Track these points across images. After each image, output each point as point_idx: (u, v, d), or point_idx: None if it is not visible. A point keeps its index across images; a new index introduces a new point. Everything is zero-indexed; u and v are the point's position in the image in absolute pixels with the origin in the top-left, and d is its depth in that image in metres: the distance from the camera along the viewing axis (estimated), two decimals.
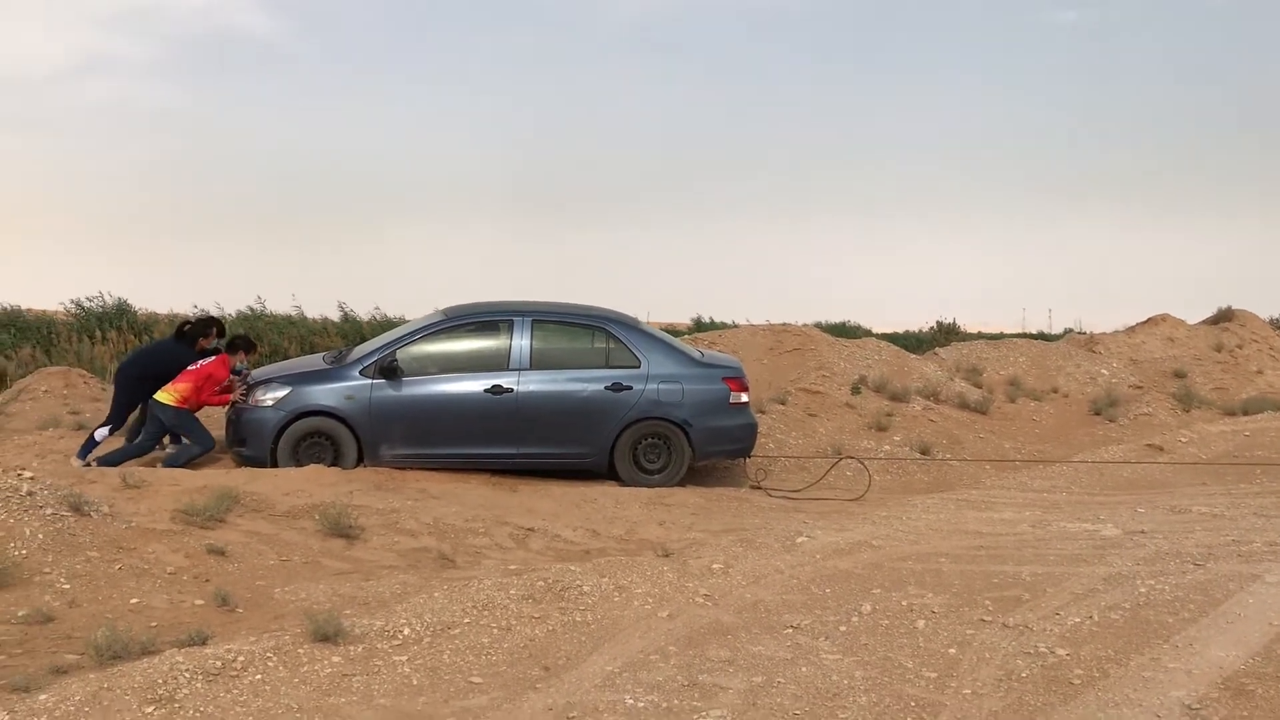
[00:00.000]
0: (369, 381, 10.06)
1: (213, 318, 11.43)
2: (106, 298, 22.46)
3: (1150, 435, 14.18)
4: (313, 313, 25.52)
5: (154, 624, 5.85)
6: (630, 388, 10.36)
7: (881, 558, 7.55)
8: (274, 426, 9.88)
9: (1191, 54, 68.84)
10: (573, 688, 5.05)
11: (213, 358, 10.39)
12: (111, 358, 18.80)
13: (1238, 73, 68.46)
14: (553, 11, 74.06)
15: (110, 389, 12.09)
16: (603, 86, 77.70)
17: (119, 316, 21.80)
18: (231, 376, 10.40)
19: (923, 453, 12.80)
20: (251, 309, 24.82)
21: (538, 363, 10.33)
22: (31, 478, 7.31)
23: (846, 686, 5.13)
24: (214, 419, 10.95)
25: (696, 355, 10.99)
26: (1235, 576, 6.85)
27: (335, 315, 25.48)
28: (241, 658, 5.09)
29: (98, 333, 20.57)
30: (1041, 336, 25.31)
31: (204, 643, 5.42)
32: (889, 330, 29.16)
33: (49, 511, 6.83)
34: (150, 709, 4.57)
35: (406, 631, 5.65)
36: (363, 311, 25.64)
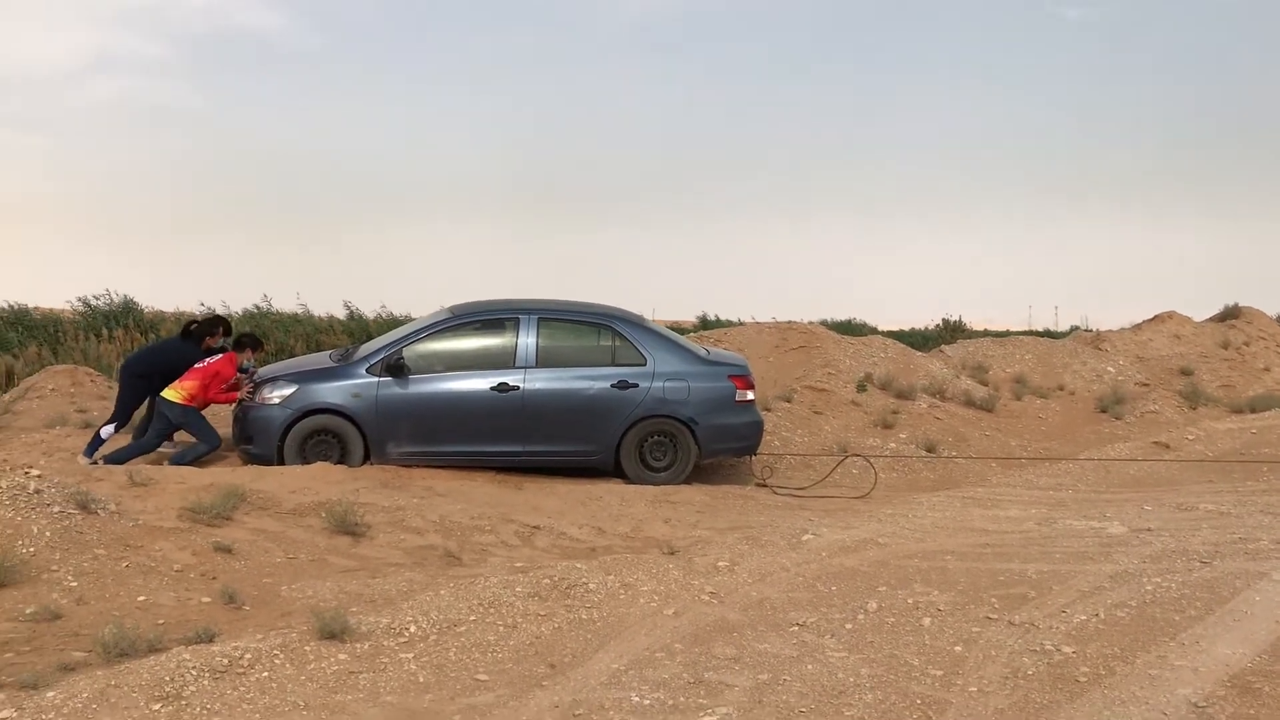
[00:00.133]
0: (375, 379, 10.06)
1: (219, 317, 11.45)
2: (113, 296, 22.52)
3: (1157, 433, 14.16)
4: (318, 311, 25.58)
5: (161, 621, 5.86)
6: (636, 386, 10.36)
7: (887, 555, 7.55)
8: (281, 424, 9.89)
9: (1198, 51, 68.73)
10: (579, 685, 5.05)
11: (219, 355, 10.41)
12: (118, 356, 18.82)
13: (1244, 70, 68.33)
14: (556, 11, 74.11)
15: (115, 386, 12.12)
16: (606, 86, 77.75)
17: (125, 315, 21.84)
18: (238, 374, 10.42)
19: (929, 450, 12.78)
20: (257, 307, 24.87)
21: (544, 361, 10.33)
22: (39, 476, 7.33)
23: (852, 684, 5.13)
24: (220, 417, 10.97)
25: (702, 353, 10.98)
26: (1242, 574, 6.84)
27: (341, 313, 25.53)
28: (248, 655, 5.10)
29: (104, 331, 20.61)
30: (1047, 334, 25.28)
31: (211, 640, 5.43)
32: (894, 328, 29.14)
33: (56, 509, 6.85)
34: (157, 706, 4.58)
35: (413, 629, 5.66)
36: (368, 309, 25.69)
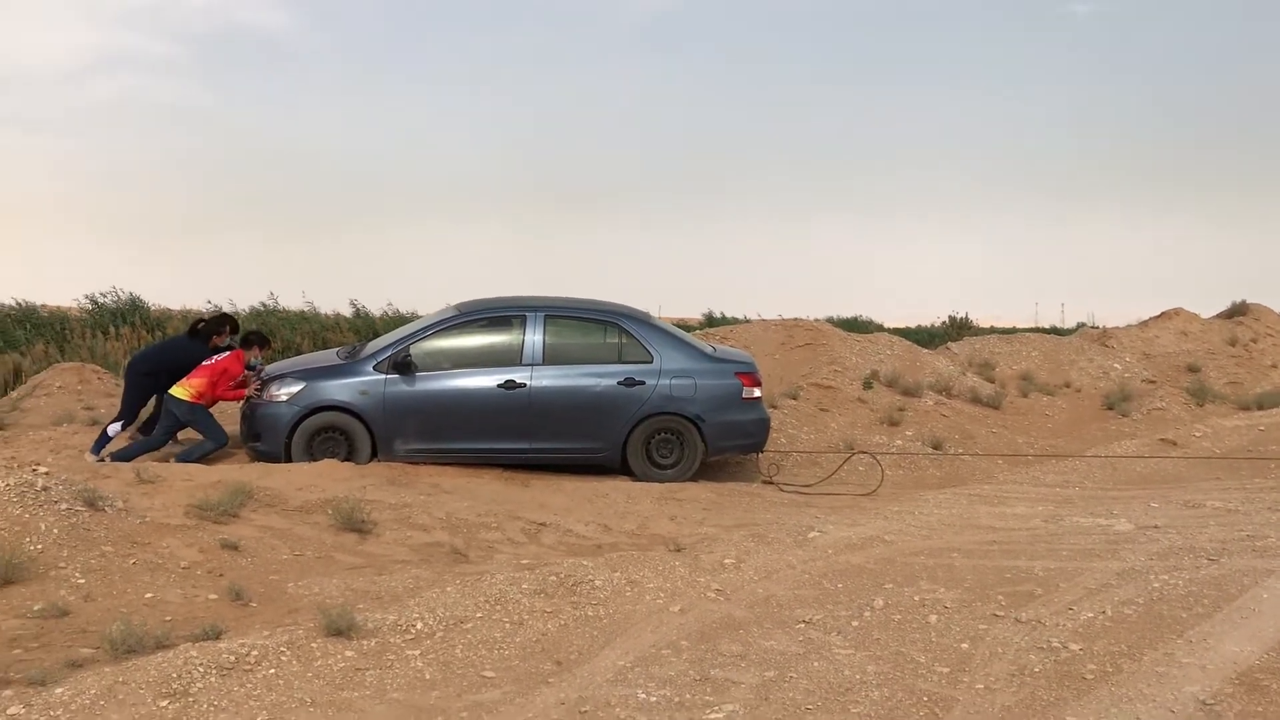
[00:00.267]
0: (383, 377, 10.07)
1: (226, 315, 11.47)
2: (119, 294, 22.56)
3: (1164, 430, 14.13)
4: (324, 309, 25.61)
5: (168, 618, 5.87)
6: (643, 383, 10.36)
7: (894, 553, 7.54)
8: (288, 421, 9.91)
9: (1206, 46, 68.56)
10: (585, 682, 5.05)
11: (227, 353, 10.42)
12: (125, 353, 18.85)
13: (1252, 65, 68.14)
14: (562, 10, 74.10)
15: (122, 384, 12.14)
16: (612, 84, 77.76)
17: (132, 312, 21.89)
18: (246, 372, 10.43)
19: (935, 448, 12.77)
20: (264, 305, 24.92)
21: (551, 358, 10.33)
22: (46, 473, 7.35)
23: (859, 681, 5.12)
24: (228, 415, 10.98)
25: (709, 350, 10.98)
26: (1250, 571, 6.83)
27: (347, 311, 25.55)
28: (255, 652, 5.11)
29: (111, 329, 20.65)
30: (1054, 331, 25.25)
31: (218, 637, 5.44)
32: (901, 325, 29.15)
33: (64, 506, 6.86)
34: (165, 703, 4.59)
35: (419, 626, 5.66)
36: (374, 307, 25.71)
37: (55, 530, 6.59)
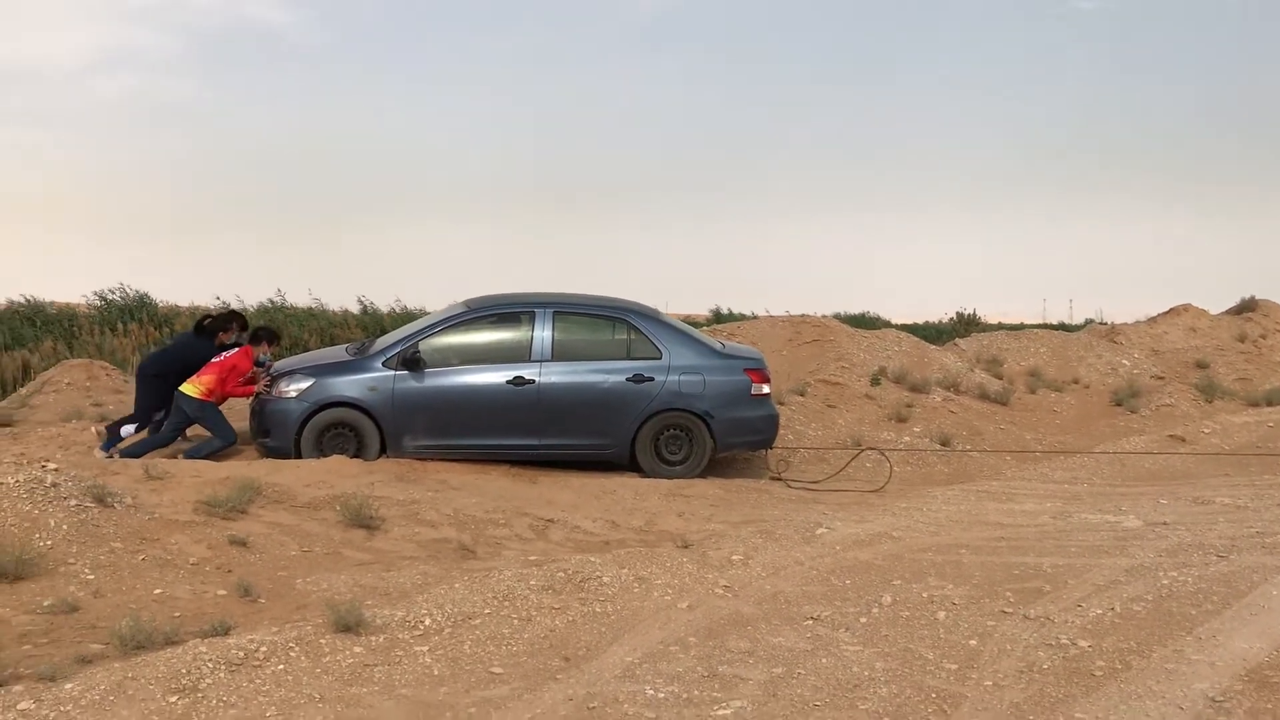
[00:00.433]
0: (392, 373, 10.08)
1: (233, 312, 11.49)
2: (127, 291, 22.61)
3: (1172, 426, 14.10)
4: (332, 305, 25.64)
5: (177, 614, 5.89)
6: (652, 379, 10.36)
7: (902, 549, 7.53)
8: (298, 417, 9.92)
9: (1214, 41, 68.35)
10: (593, 678, 5.06)
11: (236, 349, 10.44)
12: (133, 350, 18.92)
13: (1260, 60, 67.91)
14: (567, 9, 74.10)
15: (131, 381, 12.18)
16: (618, 82, 77.75)
17: (140, 309, 21.93)
18: (255, 368, 10.45)
19: (943, 444, 12.76)
20: (271, 301, 24.94)
21: (559, 354, 10.33)
22: (55, 469, 7.36)
23: (867, 678, 5.12)
24: (237, 412, 11.00)
25: (718, 346, 10.98)
26: (1259, 568, 6.81)
27: (354, 307, 25.58)
28: (264, 648, 5.12)
29: (119, 325, 20.69)
30: (1062, 327, 25.22)
31: (227, 633, 5.45)
32: (908, 321, 29.14)
33: (73, 503, 6.88)
34: (174, 698, 4.60)
35: (427, 622, 5.67)
36: (381, 304, 25.73)
37: (65, 526, 6.61)
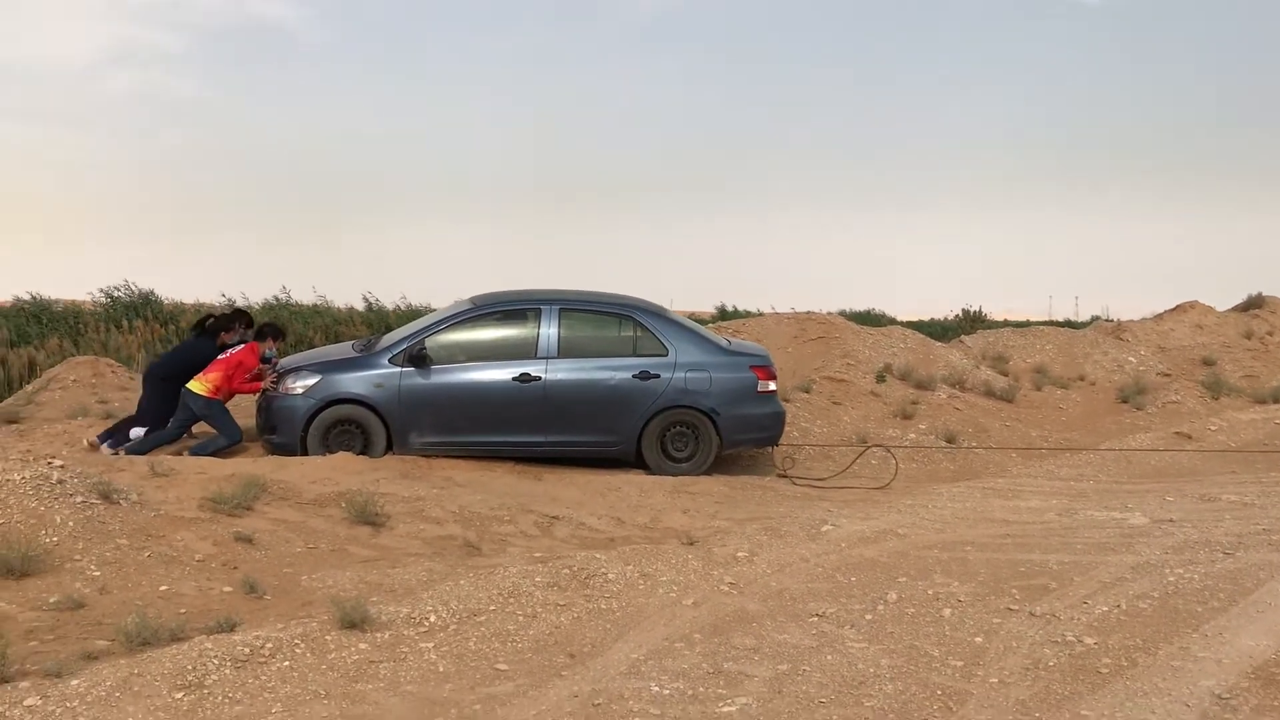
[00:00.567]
0: (398, 370, 10.08)
1: (239, 310, 11.50)
2: (133, 288, 22.65)
3: (1179, 423, 14.07)
4: (336, 302, 25.66)
5: (183, 611, 5.89)
6: (658, 376, 10.36)
7: (907, 546, 7.52)
8: (304, 414, 9.93)
9: (1219, 36, 68.21)
10: (598, 675, 5.06)
11: (241, 346, 10.45)
12: (139, 347, 18.95)
13: (1267, 55, 67.75)
14: (569, 7, 74.11)
15: (136, 378, 12.19)
16: (621, 80, 77.76)
17: (145, 306, 21.97)
18: (261, 365, 10.46)
19: (949, 441, 12.74)
20: (277, 299, 24.96)
21: (565, 351, 10.33)
22: (61, 466, 7.37)
23: (872, 675, 5.11)
24: (243, 409, 11.01)
25: (724, 344, 10.97)
26: (1266, 565, 6.80)
27: (359, 305, 25.60)
28: (269, 644, 5.12)
29: (125, 322, 20.72)
30: (1068, 324, 25.17)
31: (232, 630, 5.45)
32: (914, 318, 29.09)
33: (79, 499, 6.89)
34: (180, 695, 4.61)
35: (433, 619, 5.67)
36: (387, 301, 25.75)
37: (70, 523, 6.62)
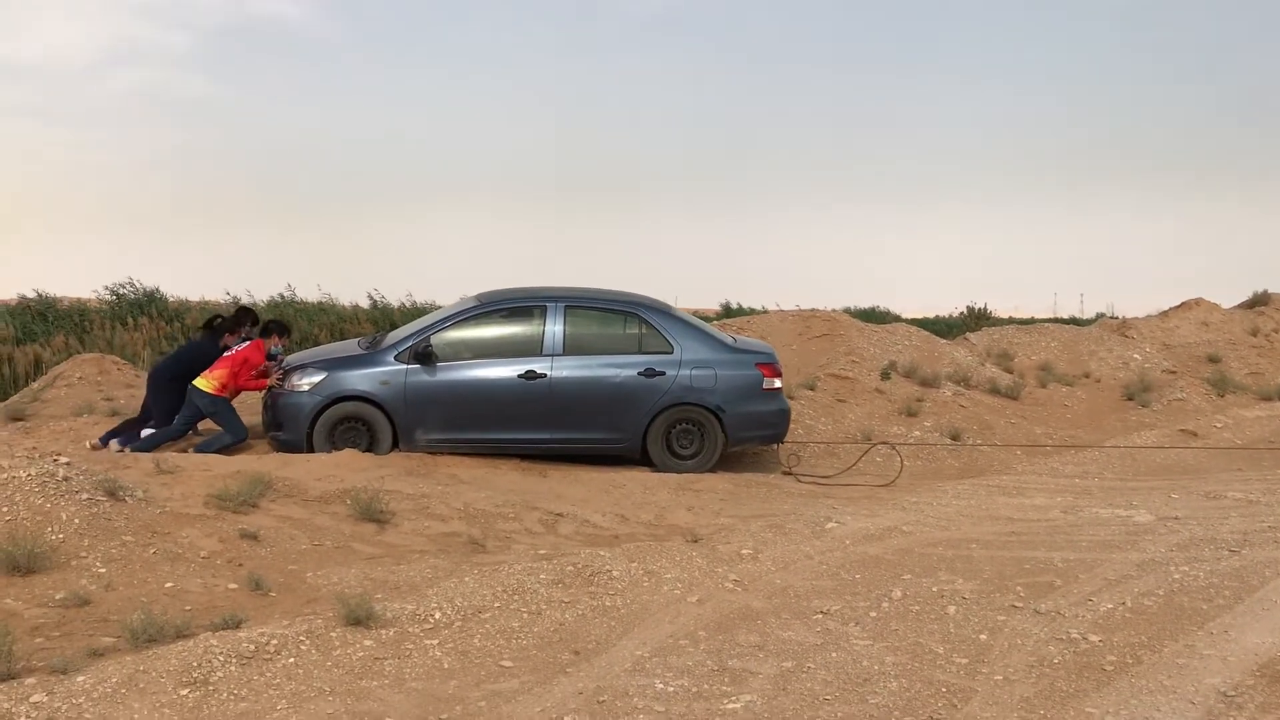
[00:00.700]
0: (404, 367, 10.09)
1: (244, 309, 11.50)
2: (137, 284, 22.67)
3: (1184, 420, 14.06)
4: (342, 300, 25.66)
5: (188, 608, 5.90)
6: (663, 373, 10.36)
7: (912, 543, 7.52)
8: (310, 411, 9.93)
9: (1225, 31, 68.03)
10: (602, 672, 5.06)
11: (246, 343, 10.46)
12: (144, 344, 18.98)
13: (1273, 53, 67.58)
14: (577, 0, 74.09)
15: (142, 375, 12.21)
16: (629, 75, 77.70)
17: (150, 304, 21.99)
18: (267, 362, 10.47)
19: (953, 438, 12.73)
20: (282, 296, 24.95)
21: (571, 348, 10.33)
22: (67, 463, 7.39)
23: (877, 672, 5.12)
24: (249, 406, 11.02)
25: (729, 341, 10.97)
26: (1271, 563, 6.79)
27: (365, 302, 25.59)
28: (275, 641, 5.13)
29: (130, 320, 20.74)
30: (1073, 321, 25.14)
31: (237, 626, 5.46)
32: (918, 316, 29.05)
33: (85, 496, 6.90)
34: (185, 691, 4.62)
35: (437, 615, 5.68)
36: (393, 298, 25.74)
37: (76, 520, 6.63)
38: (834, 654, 5.34)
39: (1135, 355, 17.36)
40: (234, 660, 4.91)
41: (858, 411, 13.27)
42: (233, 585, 6.35)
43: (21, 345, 18.12)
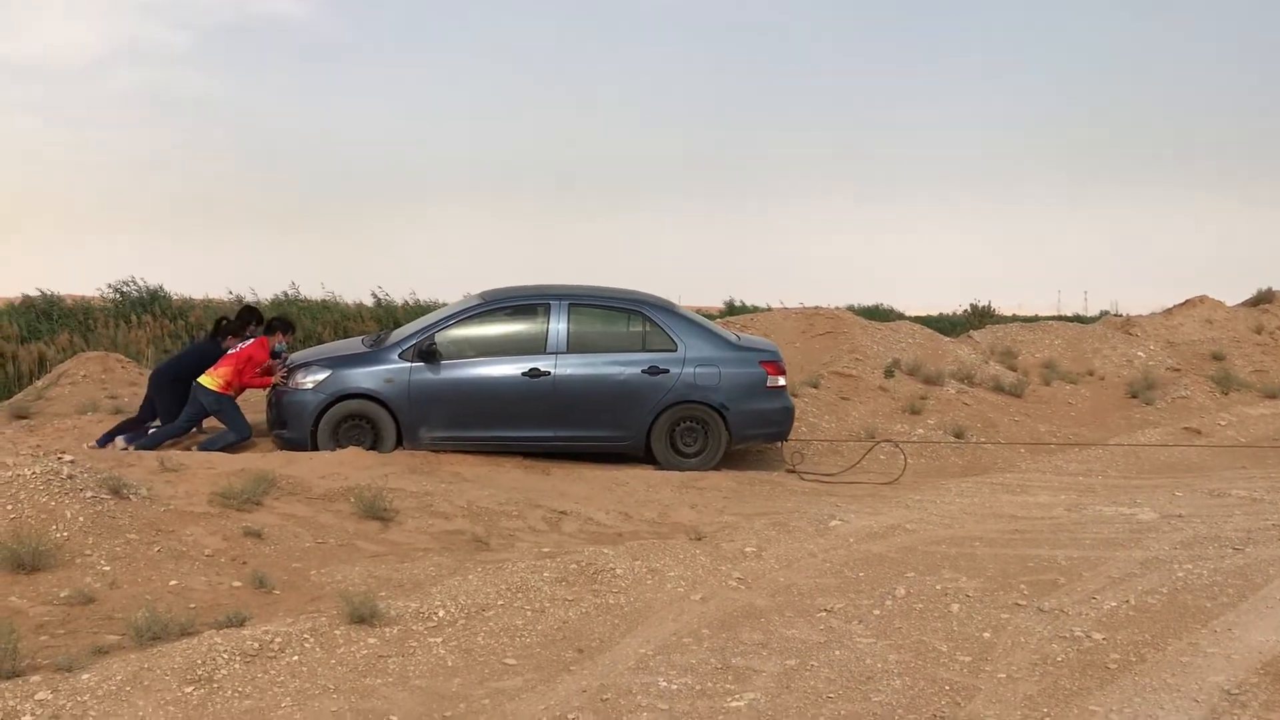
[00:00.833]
0: (408, 365, 10.10)
1: (249, 307, 11.52)
2: (140, 283, 22.71)
3: (1188, 418, 14.04)
4: (345, 298, 25.69)
5: (192, 605, 5.91)
6: (667, 371, 10.36)
7: (915, 541, 7.52)
8: (314, 409, 9.94)
9: (1230, 27, 67.91)
10: (606, 670, 5.07)
11: (250, 340, 10.48)
12: (148, 342, 19.01)
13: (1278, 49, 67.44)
14: None
15: (146, 373, 12.22)
16: (631, 71, 77.64)
17: (154, 302, 22.03)
18: (271, 359, 10.48)
19: (957, 436, 12.73)
20: (285, 294, 24.98)
21: (575, 346, 10.34)
22: (72, 461, 7.40)
23: (880, 670, 5.12)
24: (253, 404, 11.04)
25: (733, 339, 10.96)
26: (1276, 561, 6.79)
27: (368, 300, 25.63)
28: (279, 639, 5.14)
29: (134, 318, 20.77)
30: (1077, 319, 25.10)
31: (242, 624, 5.47)
32: (922, 313, 29.02)
33: (89, 494, 6.91)
34: (190, 689, 4.63)
35: (441, 613, 5.68)
36: (397, 296, 25.76)
37: (81, 518, 6.64)
38: (837, 652, 5.35)
39: (1139, 353, 17.34)
40: (238, 658, 4.92)
41: (861, 409, 13.27)
42: (237, 583, 6.36)
43: (26, 343, 18.16)
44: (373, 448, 9.78)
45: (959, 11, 73.90)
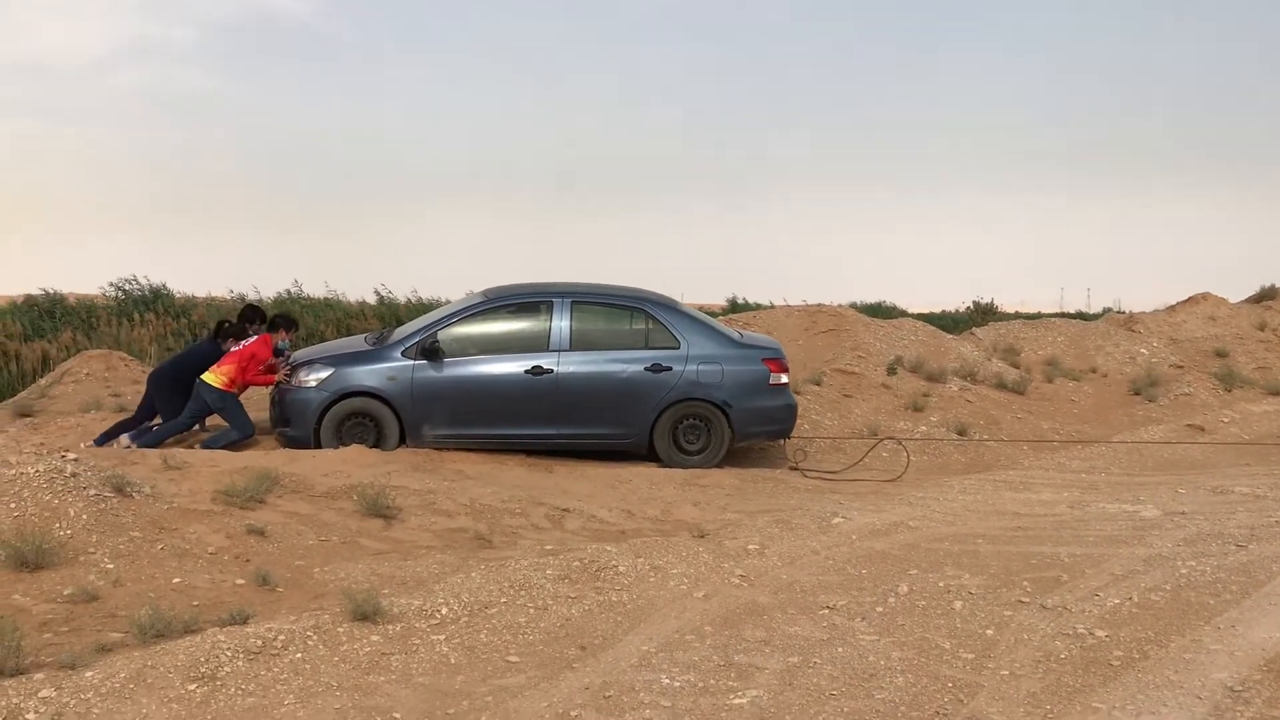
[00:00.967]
0: (411, 363, 10.10)
1: (251, 306, 11.51)
2: (143, 281, 22.73)
3: (1191, 415, 14.03)
4: (348, 296, 25.69)
5: (196, 603, 5.92)
6: (670, 369, 10.36)
7: (918, 539, 7.52)
8: (317, 407, 9.95)
9: (1237, 24, 67.79)
10: (609, 667, 5.07)
11: (254, 338, 10.48)
12: (151, 340, 19.02)
13: None
14: None
15: (149, 371, 12.23)
16: (633, 69, 77.61)
17: (156, 300, 22.04)
18: (274, 357, 10.48)
19: (960, 433, 12.72)
20: (288, 292, 25.00)
21: (578, 344, 10.34)
22: (75, 459, 7.40)
23: (883, 667, 5.12)
24: (256, 402, 11.04)
25: (736, 336, 10.96)
26: (1279, 558, 6.78)
27: (371, 298, 25.63)
28: (282, 637, 5.15)
29: (137, 316, 20.78)
30: (1080, 316, 25.06)
31: (245, 622, 5.48)
32: (925, 310, 28.98)
33: (92, 492, 6.92)
34: (193, 687, 4.63)
35: (444, 611, 5.69)
36: (400, 294, 25.77)
37: (84, 516, 6.65)
38: (840, 649, 5.35)
39: (1142, 350, 17.32)
40: (241, 655, 4.92)
41: (864, 407, 13.26)
42: (240, 581, 6.37)
43: (29, 342, 18.17)
44: (375, 445, 9.79)
45: (960, 10, 73.84)
